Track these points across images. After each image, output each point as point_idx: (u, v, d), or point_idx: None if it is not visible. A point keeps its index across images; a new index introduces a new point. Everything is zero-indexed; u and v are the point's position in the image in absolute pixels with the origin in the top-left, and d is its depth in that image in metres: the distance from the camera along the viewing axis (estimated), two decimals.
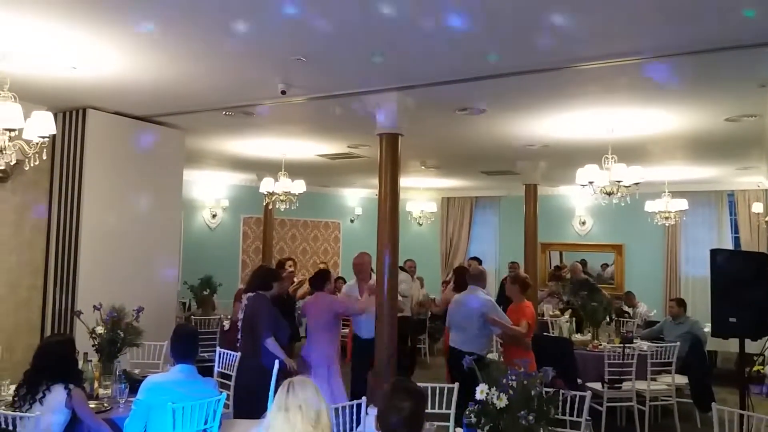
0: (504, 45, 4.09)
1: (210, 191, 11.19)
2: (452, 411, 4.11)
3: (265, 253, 10.87)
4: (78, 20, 3.79)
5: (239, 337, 5.15)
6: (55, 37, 4.10)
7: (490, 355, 5.87)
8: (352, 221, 13.25)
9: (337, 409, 3.63)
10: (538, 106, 5.70)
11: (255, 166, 9.84)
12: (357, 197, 13.34)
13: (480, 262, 9.75)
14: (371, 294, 5.65)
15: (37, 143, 4.27)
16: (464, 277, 6.16)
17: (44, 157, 4.46)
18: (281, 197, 8.27)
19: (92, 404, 3.84)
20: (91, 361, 4.38)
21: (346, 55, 4.39)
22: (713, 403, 3.93)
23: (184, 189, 7.26)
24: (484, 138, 7.07)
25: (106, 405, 4.01)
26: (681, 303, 7.63)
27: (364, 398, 3.76)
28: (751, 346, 4.71)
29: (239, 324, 5.16)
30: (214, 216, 11.24)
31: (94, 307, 4.62)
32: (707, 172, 9.33)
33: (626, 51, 4.15)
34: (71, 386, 3.53)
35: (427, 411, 2.65)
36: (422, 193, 12.39)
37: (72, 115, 6.16)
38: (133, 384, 3.89)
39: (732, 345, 6.83)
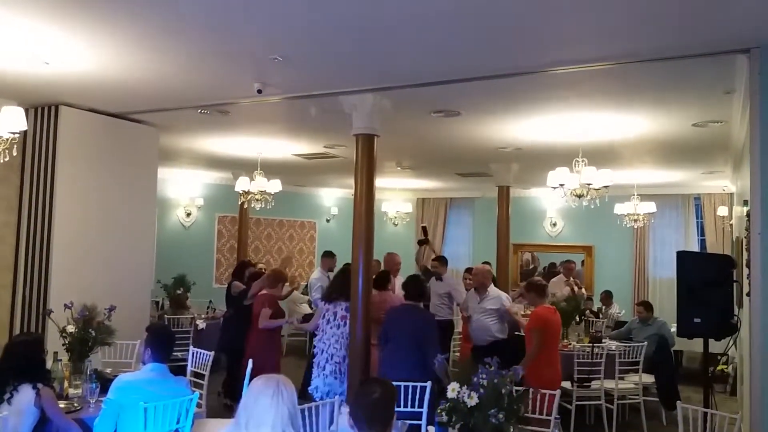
0: (479, 48, 4.15)
1: (185, 190, 11.07)
2: (425, 409, 4.16)
3: (240, 252, 10.82)
4: (51, 15, 3.73)
5: (389, 352, 4.83)
6: (27, 32, 4.03)
7: None
8: (328, 221, 13.24)
9: (311, 409, 3.65)
10: (511, 109, 5.77)
11: (230, 165, 9.79)
12: (333, 197, 13.32)
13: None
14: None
15: (7, 139, 4.22)
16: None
17: (14, 153, 4.41)
18: (257, 196, 8.25)
19: (62, 404, 3.81)
20: (60, 360, 4.34)
21: (323, 55, 4.41)
22: (678, 402, 4.04)
23: (159, 187, 7.19)
24: (458, 140, 7.14)
25: (76, 405, 3.98)
26: (648, 307, 7.76)
27: (337, 397, 3.79)
28: (715, 346, 4.80)
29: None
30: (188, 215, 11.13)
31: (65, 305, 4.57)
32: (675, 176, 9.52)
33: (597, 56, 4.25)
34: (39, 386, 3.50)
35: (400, 410, 2.69)
36: (398, 194, 12.43)
37: (44, 111, 6.06)
38: (105, 383, 3.85)
39: (696, 345, 6.97)
